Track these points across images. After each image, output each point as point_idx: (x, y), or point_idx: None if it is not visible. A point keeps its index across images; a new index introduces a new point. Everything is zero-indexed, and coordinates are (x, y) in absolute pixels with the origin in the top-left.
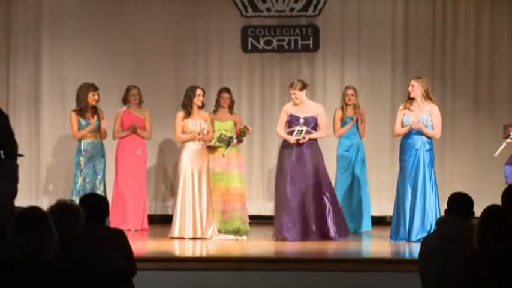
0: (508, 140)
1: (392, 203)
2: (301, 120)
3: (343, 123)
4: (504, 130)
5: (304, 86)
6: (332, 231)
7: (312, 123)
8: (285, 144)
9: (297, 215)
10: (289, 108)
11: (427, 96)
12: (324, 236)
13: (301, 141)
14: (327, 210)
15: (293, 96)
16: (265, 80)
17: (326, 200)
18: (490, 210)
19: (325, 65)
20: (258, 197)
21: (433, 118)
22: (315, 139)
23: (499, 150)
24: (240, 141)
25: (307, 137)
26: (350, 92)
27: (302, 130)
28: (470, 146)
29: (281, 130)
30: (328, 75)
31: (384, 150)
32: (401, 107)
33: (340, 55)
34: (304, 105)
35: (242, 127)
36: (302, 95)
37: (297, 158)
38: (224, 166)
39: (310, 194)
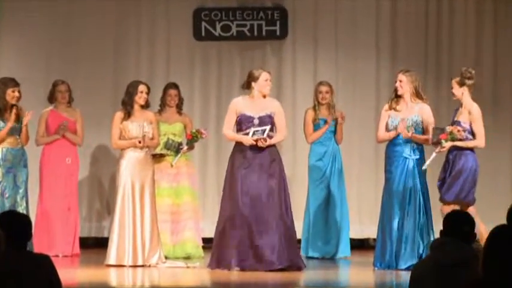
0: (437, 150)
1: (376, 223)
2: (256, 121)
3: (315, 126)
4: (434, 134)
5: None
6: (290, 261)
7: (268, 124)
8: (238, 149)
9: (246, 239)
10: (239, 105)
11: (417, 94)
12: (273, 265)
13: (261, 144)
14: (283, 235)
15: (270, 83)
16: (222, 73)
17: (284, 222)
18: (498, 231)
19: (295, 55)
20: (212, 215)
21: (424, 120)
22: (274, 144)
23: (428, 161)
24: (191, 147)
25: (269, 141)
26: (324, 88)
27: (264, 129)
28: None
29: (229, 130)
30: (299, 67)
31: (366, 159)
32: (386, 106)
33: (313, 43)
34: (259, 101)
35: (194, 130)
36: None
37: (252, 168)
38: (172, 178)
39: (266, 214)
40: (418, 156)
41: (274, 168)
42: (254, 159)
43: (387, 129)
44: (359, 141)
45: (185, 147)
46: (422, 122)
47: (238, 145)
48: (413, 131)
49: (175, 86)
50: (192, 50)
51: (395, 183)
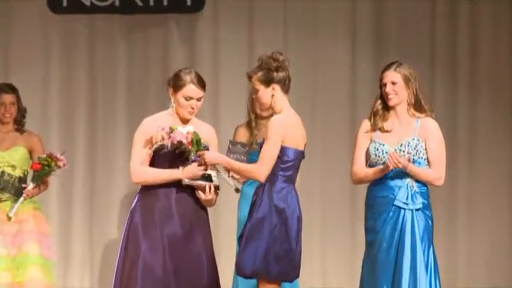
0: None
1: None
2: (192, 156)
3: (251, 154)
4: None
5: None
6: None
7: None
8: (152, 197)
9: None
10: (163, 126)
11: (417, 103)
12: None
13: (209, 197)
14: None
15: (194, 104)
16: (96, 67)
17: None
18: None
19: (217, 38)
20: None
21: (429, 144)
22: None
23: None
24: (40, 185)
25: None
26: None
27: (208, 175)
28: (508, 196)
29: (146, 167)
30: (224, 58)
31: (336, 208)
32: (366, 125)
33: (246, 21)
34: (189, 123)
35: (44, 157)
36: None
37: (183, 227)
38: (11, 239)
39: None
40: (420, 206)
41: (206, 232)
42: (181, 216)
43: (368, 163)
44: (322, 179)
45: (31, 186)
46: (426, 149)
47: (153, 190)
48: (412, 158)
49: (11, 89)
50: (47, 29)
51: (382, 249)
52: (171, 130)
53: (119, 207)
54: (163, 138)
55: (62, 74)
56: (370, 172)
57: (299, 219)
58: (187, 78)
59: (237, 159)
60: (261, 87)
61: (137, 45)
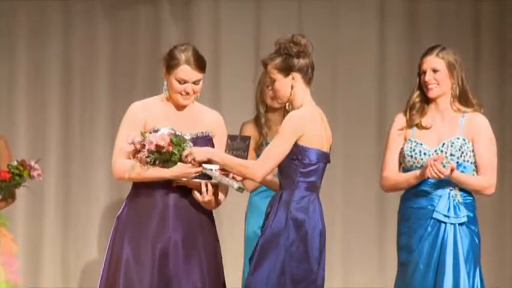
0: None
1: None
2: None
3: (259, 155)
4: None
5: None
6: None
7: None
8: (146, 199)
9: None
10: (148, 114)
11: (463, 95)
12: None
13: (207, 198)
14: None
15: (190, 88)
16: (72, 54)
17: None
18: None
19: (218, 14)
20: None
21: (477, 145)
22: None
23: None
24: (7, 198)
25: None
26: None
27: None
28: None
29: (130, 161)
30: (226, 39)
31: (360, 222)
32: (401, 121)
33: None
34: (183, 109)
35: (15, 164)
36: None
37: (182, 241)
38: None
39: None
40: (464, 219)
41: (209, 243)
42: (176, 224)
43: (403, 166)
44: (345, 187)
45: None
46: (472, 150)
47: (147, 190)
48: (455, 165)
49: None
50: (13, 11)
51: (418, 272)
52: (143, 137)
53: (98, 224)
54: (138, 150)
55: (30, 65)
56: (403, 178)
57: (321, 234)
58: (181, 57)
59: (237, 156)
60: (278, 77)
61: (121, 27)
